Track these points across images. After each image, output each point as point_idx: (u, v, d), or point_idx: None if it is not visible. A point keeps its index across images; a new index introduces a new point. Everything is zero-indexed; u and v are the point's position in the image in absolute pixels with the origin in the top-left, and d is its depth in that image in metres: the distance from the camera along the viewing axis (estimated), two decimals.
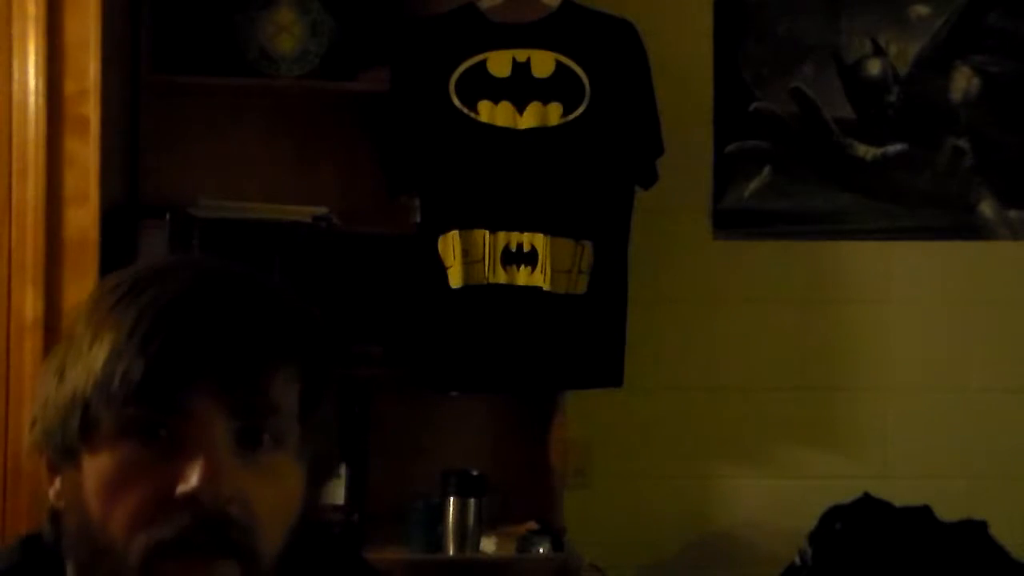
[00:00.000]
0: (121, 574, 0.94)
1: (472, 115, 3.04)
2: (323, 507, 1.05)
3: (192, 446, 0.93)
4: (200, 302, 0.96)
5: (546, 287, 3.00)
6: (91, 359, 0.95)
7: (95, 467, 0.95)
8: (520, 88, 3.04)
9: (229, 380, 0.94)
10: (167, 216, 2.94)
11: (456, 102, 3.04)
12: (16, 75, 2.60)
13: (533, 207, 3.02)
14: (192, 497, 0.92)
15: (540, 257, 3.01)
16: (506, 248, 3.02)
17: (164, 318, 0.95)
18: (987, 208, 3.42)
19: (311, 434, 1.00)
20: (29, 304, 2.60)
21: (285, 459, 0.98)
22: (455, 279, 3.02)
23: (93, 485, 0.95)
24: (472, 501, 2.98)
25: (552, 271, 3.00)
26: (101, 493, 0.95)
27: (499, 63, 3.05)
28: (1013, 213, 3.43)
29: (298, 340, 0.99)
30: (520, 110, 3.04)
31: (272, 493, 0.96)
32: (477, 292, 3.02)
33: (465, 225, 3.02)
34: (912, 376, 3.41)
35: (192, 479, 0.92)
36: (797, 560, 2.99)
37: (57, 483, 0.99)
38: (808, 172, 3.40)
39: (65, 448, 0.97)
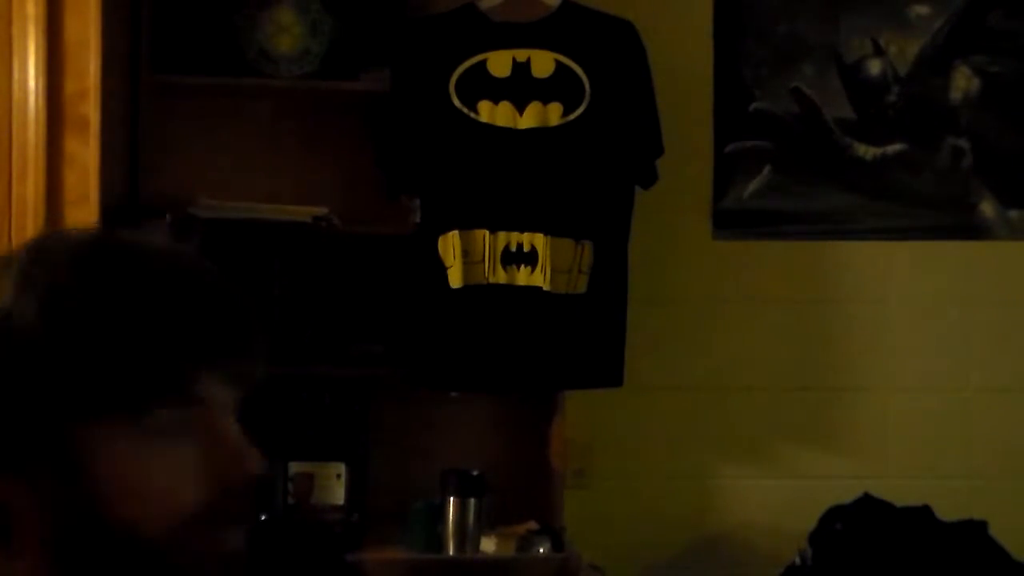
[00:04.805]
0: None
1: (472, 115, 3.03)
2: None
3: None
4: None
5: (546, 287, 3.00)
6: None
7: None
8: (520, 88, 3.04)
9: None
10: (167, 216, 2.94)
11: (456, 102, 3.04)
12: (16, 75, 2.59)
13: (533, 207, 3.02)
14: None
15: (540, 257, 3.00)
16: (506, 248, 3.02)
17: None
18: (987, 208, 3.42)
19: None
20: None
21: None
22: (455, 279, 3.02)
23: None
24: (472, 501, 2.98)
25: (552, 271, 3.00)
26: None
27: (499, 63, 3.05)
28: (1013, 213, 3.43)
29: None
30: (520, 110, 3.04)
31: None
32: (477, 292, 3.02)
33: (465, 225, 3.02)
34: (912, 376, 3.40)
35: None
36: (797, 560, 2.99)
37: None
38: (808, 172, 3.39)
39: None
